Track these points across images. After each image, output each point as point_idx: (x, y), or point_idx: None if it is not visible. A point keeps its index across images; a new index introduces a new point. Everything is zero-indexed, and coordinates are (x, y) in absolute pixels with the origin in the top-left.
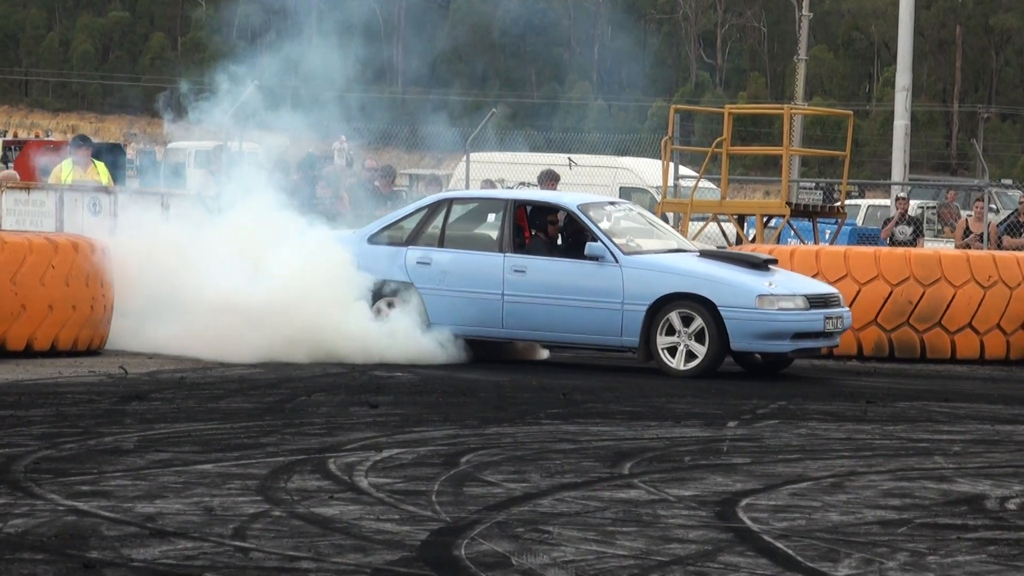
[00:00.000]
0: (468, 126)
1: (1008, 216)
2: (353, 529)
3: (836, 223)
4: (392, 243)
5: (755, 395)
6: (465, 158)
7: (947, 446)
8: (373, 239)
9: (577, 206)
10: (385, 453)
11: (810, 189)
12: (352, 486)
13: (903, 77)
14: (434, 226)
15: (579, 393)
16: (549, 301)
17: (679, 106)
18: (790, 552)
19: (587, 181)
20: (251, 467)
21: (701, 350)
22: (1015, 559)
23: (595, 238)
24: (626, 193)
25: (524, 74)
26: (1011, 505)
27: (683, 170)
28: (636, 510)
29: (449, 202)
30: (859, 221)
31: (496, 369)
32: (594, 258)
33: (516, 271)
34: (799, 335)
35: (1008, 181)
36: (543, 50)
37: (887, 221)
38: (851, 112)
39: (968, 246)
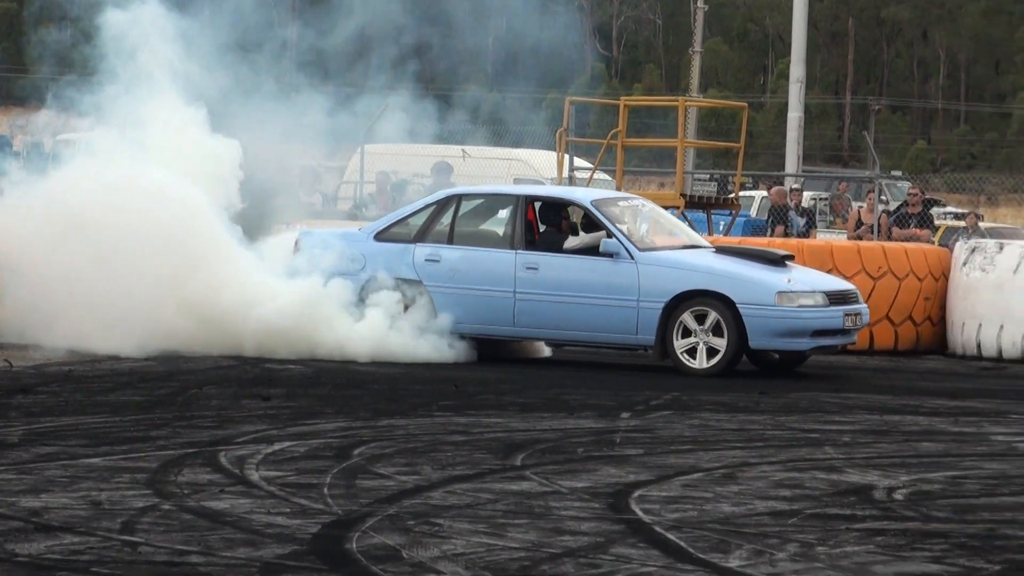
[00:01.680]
0: (363, 117)
1: (898, 208)
2: (243, 523)
3: (730, 214)
4: (400, 240)
5: (648, 386)
6: (360, 150)
7: (837, 437)
8: (380, 236)
9: (591, 201)
10: (277, 446)
11: (704, 181)
12: (243, 479)
13: (797, 69)
14: (443, 223)
15: (472, 385)
16: (562, 299)
17: (574, 98)
18: (681, 543)
19: (481, 172)
20: (140, 460)
21: (721, 343)
22: (901, 549)
23: (610, 234)
24: (520, 184)
25: (419, 65)
26: (898, 496)
27: (578, 162)
28: (528, 502)
29: (458, 198)
30: (753, 212)
31: (398, 365)
32: (609, 255)
33: (528, 268)
34: (819, 332)
35: (898, 173)
36: (439, 41)
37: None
38: (745, 104)
39: (860, 237)
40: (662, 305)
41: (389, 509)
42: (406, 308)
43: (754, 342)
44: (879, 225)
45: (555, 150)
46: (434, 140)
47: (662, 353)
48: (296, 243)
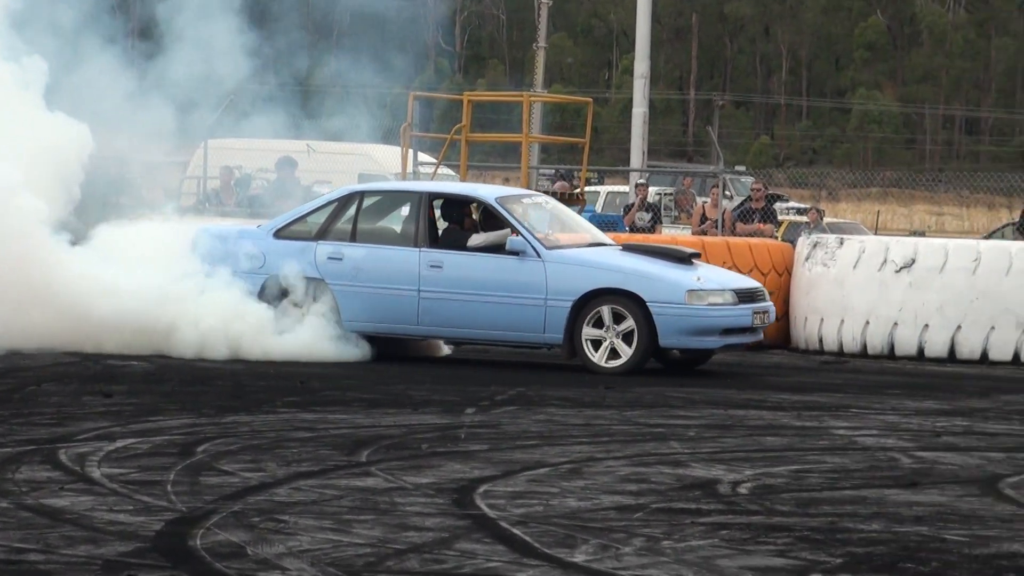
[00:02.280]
0: (205, 111)
1: (741, 203)
2: (84, 520)
3: (576, 210)
4: (300, 238)
5: (494, 381)
6: (203, 145)
7: (682, 431)
8: (280, 233)
9: (495, 199)
10: (119, 443)
11: (550, 176)
12: (84, 477)
13: (641, 65)
14: (345, 220)
15: (316, 381)
16: (467, 297)
17: (418, 93)
18: (527, 539)
19: (326, 167)
20: None
21: (627, 350)
22: (746, 543)
23: (515, 232)
24: (365, 180)
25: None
26: (743, 490)
27: (422, 157)
28: (373, 498)
29: (360, 195)
30: (598, 208)
31: (241, 361)
32: (515, 253)
33: (433, 266)
34: (728, 331)
35: (742, 168)
36: (283, 34)
37: (627, 208)
38: (590, 99)
39: (704, 232)
40: (570, 303)
41: (234, 506)
42: (307, 307)
43: (664, 340)
44: (723, 220)
45: (399, 145)
46: (278, 135)
47: (570, 352)
48: (193, 240)
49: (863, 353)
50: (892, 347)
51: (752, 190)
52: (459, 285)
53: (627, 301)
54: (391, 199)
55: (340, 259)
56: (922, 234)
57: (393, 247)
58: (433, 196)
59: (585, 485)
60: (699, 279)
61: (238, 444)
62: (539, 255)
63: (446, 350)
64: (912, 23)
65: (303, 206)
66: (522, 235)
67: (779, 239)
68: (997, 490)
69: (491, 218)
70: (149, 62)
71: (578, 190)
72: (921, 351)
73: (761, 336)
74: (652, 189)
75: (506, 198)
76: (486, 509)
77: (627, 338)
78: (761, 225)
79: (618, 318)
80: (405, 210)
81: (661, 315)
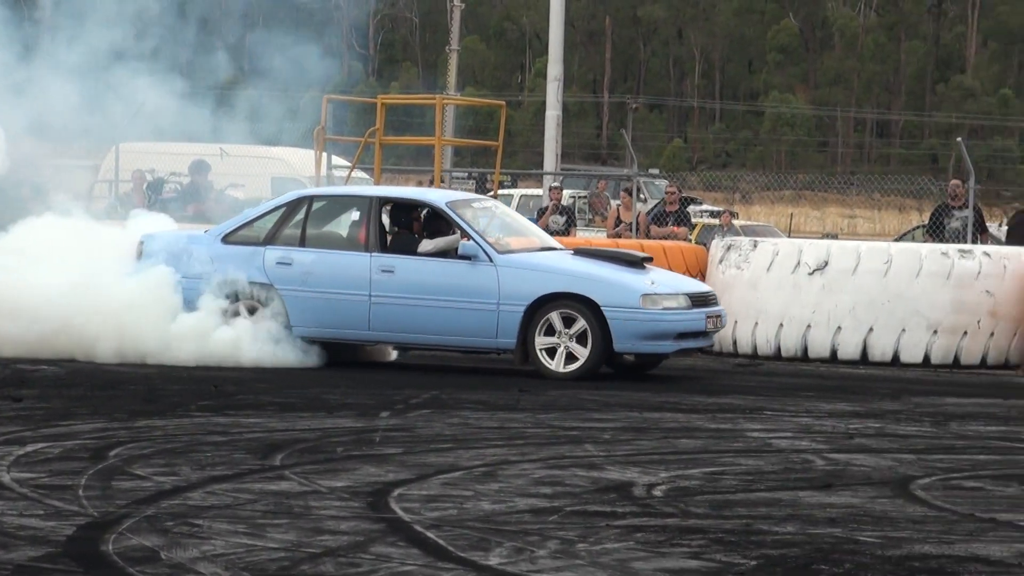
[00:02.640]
0: (117, 114)
1: (655, 205)
2: None
3: None
4: (248, 243)
5: (409, 385)
6: (115, 148)
7: (597, 434)
8: (228, 239)
9: (446, 203)
10: (29, 447)
11: (463, 179)
12: None
13: (554, 68)
14: (294, 225)
15: (230, 385)
16: (419, 302)
17: (331, 96)
18: (441, 542)
19: (239, 171)
20: None
21: (583, 352)
22: (661, 545)
23: (467, 236)
24: (279, 183)
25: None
26: (657, 492)
27: (336, 160)
28: (287, 502)
29: (309, 199)
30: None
31: (153, 366)
32: (467, 257)
33: (384, 271)
34: (682, 335)
35: (655, 171)
36: (195, 37)
37: (541, 211)
38: (503, 102)
39: (619, 235)
40: (523, 308)
41: (147, 510)
42: (255, 312)
43: (618, 344)
44: (637, 223)
45: (313, 148)
46: (191, 138)
47: (523, 357)
48: (139, 246)
49: (777, 355)
50: (805, 349)
51: (666, 193)
52: (411, 290)
53: (580, 306)
54: (340, 203)
55: (289, 264)
56: (835, 237)
57: (343, 252)
58: (383, 200)
59: (500, 488)
60: (653, 283)
61: (151, 448)
62: (491, 260)
63: (393, 355)
64: (824, 26)
65: (251, 211)
66: (474, 240)
67: (693, 242)
68: (909, 492)
69: (439, 222)
70: (58, 65)
71: (492, 193)
72: (834, 353)
73: (713, 341)
74: (566, 192)
75: (457, 202)
76: (400, 512)
77: (580, 341)
78: (675, 228)
79: (568, 321)
80: (354, 215)
81: (616, 319)
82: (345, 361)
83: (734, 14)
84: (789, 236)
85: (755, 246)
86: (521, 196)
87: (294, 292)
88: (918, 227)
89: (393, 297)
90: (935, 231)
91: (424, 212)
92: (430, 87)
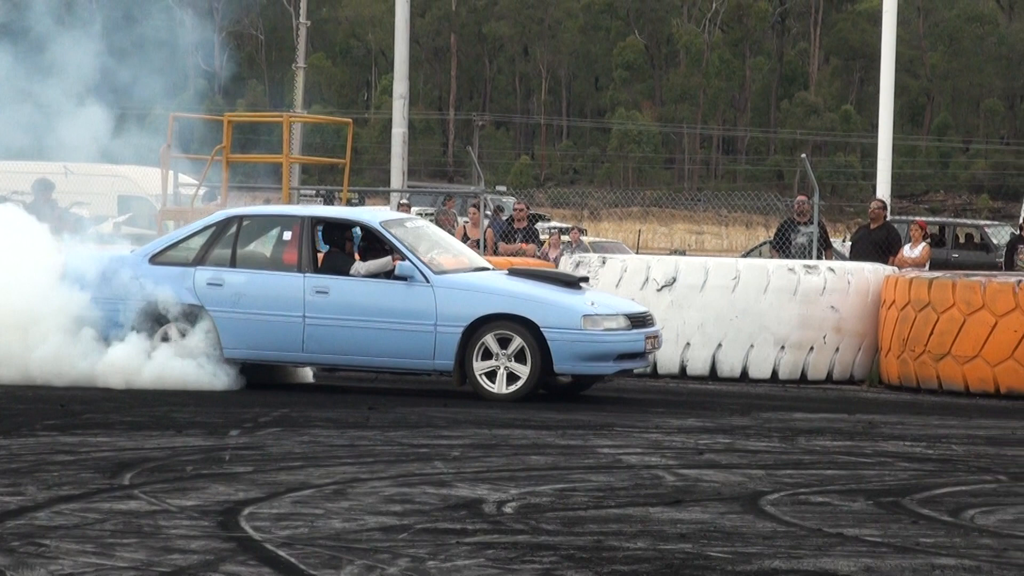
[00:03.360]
0: None
1: (504, 222)
2: None
3: None
4: (177, 263)
5: (258, 403)
6: None
7: (447, 451)
8: (156, 259)
9: (380, 223)
10: None
11: (311, 196)
12: None
13: (400, 85)
14: (224, 244)
15: (77, 404)
16: (354, 324)
17: (177, 113)
18: (293, 560)
19: (84, 189)
20: None
21: (524, 371)
22: (511, 562)
23: (402, 257)
24: (124, 202)
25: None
26: (508, 509)
27: (183, 178)
28: (136, 521)
29: (239, 219)
30: None
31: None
32: (403, 278)
33: (318, 292)
34: (622, 356)
35: (503, 188)
36: (38, 52)
37: None
38: (350, 120)
39: None
40: (461, 329)
41: None
42: (184, 334)
43: (558, 366)
44: (485, 240)
45: (159, 166)
46: (34, 156)
47: (461, 378)
48: (63, 265)
49: None
50: (655, 365)
51: (515, 210)
52: (346, 311)
53: (517, 326)
54: (270, 223)
55: (220, 285)
56: (683, 253)
57: (276, 272)
58: (316, 220)
59: (350, 506)
60: (593, 304)
61: None
62: (428, 280)
63: (310, 377)
64: (669, 43)
65: (179, 230)
66: (409, 260)
67: (540, 258)
68: (758, 507)
69: (373, 242)
70: None
71: None
72: (683, 369)
73: (650, 361)
74: (414, 209)
75: (390, 222)
76: (251, 531)
77: (518, 360)
78: (523, 244)
79: (503, 342)
80: (286, 235)
81: (556, 340)
82: (263, 383)
83: (580, 31)
84: (637, 252)
85: (604, 263)
86: None
87: (225, 313)
88: (765, 243)
89: (328, 318)
90: (781, 247)
91: (357, 232)
92: (277, 105)
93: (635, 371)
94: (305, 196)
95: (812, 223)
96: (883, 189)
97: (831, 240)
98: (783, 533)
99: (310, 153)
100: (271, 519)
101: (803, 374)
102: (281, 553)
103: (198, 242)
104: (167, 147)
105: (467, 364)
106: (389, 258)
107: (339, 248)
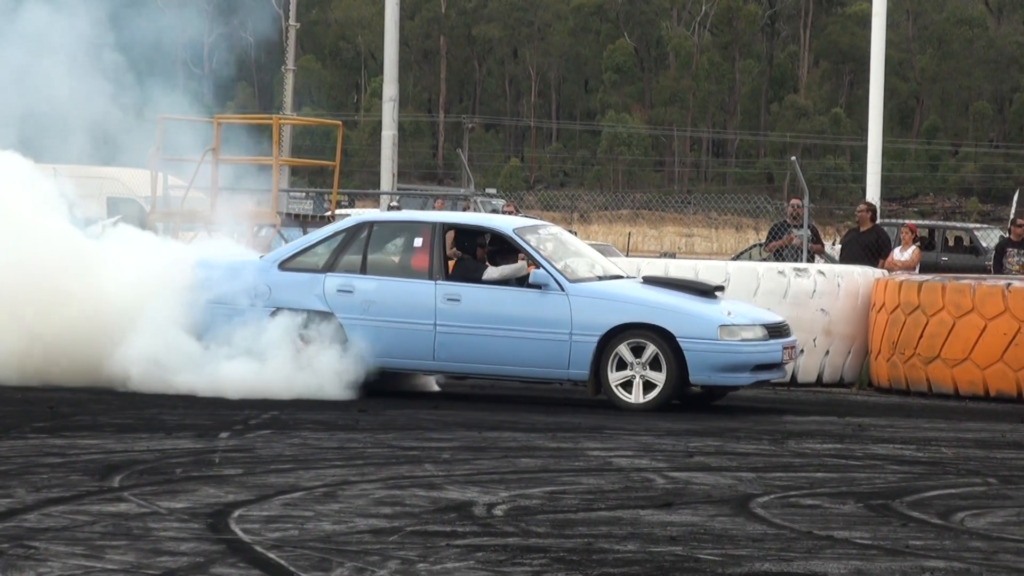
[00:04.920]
0: None
1: None
2: None
3: None
4: (307, 269)
5: (247, 405)
6: None
7: (436, 454)
8: (285, 265)
9: (513, 230)
10: None
11: (301, 199)
12: None
13: (390, 88)
14: (354, 251)
15: (67, 406)
16: (487, 332)
17: (166, 115)
18: (283, 562)
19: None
20: None
21: (659, 378)
22: (502, 564)
23: (536, 264)
24: (114, 204)
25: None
26: (498, 511)
27: (173, 180)
28: (126, 523)
29: (370, 225)
30: None
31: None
32: (537, 286)
33: (449, 299)
34: (759, 367)
35: (492, 190)
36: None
37: None
38: (340, 122)
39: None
40: (597, 338)
41: None
42: (316, 341)
43: (695, 377)
44: None
45: (148, 168)
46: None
47: (596, 388)
48: (192, 269)
49: None
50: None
51: (504, 211)
52: (478, 319)
53: (651, 334)
54: (402, 229)
55: (351, 292)
56: (673, 256)
57: (406, 279)
58: (447, 227)
59: (340, 508)
60: (730, 314)
61: None
62: (563, 288)
63: (434, 385)
64: (659, 46)
65: (308, 236)
66: (544, 268)
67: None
68: (748, 510)
69: (505, 249)
70: None
71: (329, 212)
72: None
73: (786, 372)
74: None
75: (523, 229)
76: (241, 534)
77: (653, 367)
78: None
79: (636, 351)
80: (416, 241)
81: (692, 351)
82: (382, 391)
83: (569, 33)
84: (627, 255)
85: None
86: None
87: (355, 321)
88: (755, 245)
89: (460, 326)
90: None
91: (490, 239)
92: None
93: (772, 381)
94: (295, 198)
95: (803, 226)
96: (873, 192)
97: (823, 240)
98: (773, 536)
99: (300, 155)
100: (261, 521)
101: (793, 377)
102: (271, 555)
103: (328, 248)
104: (156, 149)
105: (602, 374)
106: (523, 263)
107: (470, 255)
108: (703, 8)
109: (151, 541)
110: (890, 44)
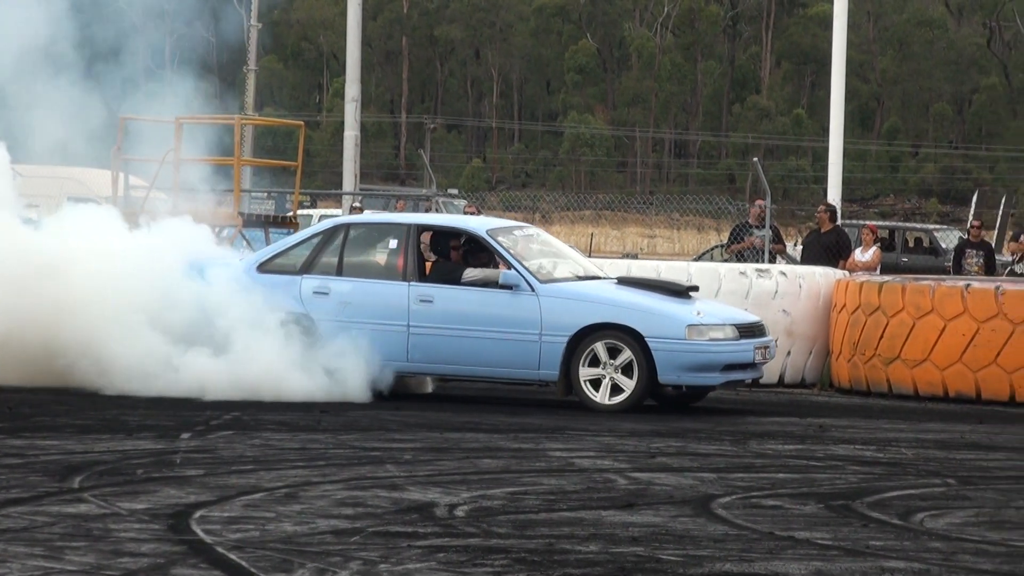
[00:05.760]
0: None
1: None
2: None
3: (288, 233)
4: (284, 271)
5: (208, 406)
6: None
7: (398, 454)
8: (263, 267)
9: (486, 231)
10: None
11: (262, 199)
12: None
13: (352, 88)
14: (330, 253)
15: (27, 407)
16: (458, 333)
17: (128, 116)
18: (244, 563)
19: (33, 191)
20: None
21: (628, 383)
22: (463, 565)
23: (508, 265)
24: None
25: None
26: (460, 512)
27: (134, 180)
28: (86, 524)
29: (346, 227)
30: None
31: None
32: (508, 287)
33: (422, 301)
34: (729, 366)
35: (454, 191)
36: None
37: None
38: (302, 123)
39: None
40: (566, 339)
41: None
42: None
43: (663, 376)
44: None
45: (109, 168)
46: None
47: (566, 388)
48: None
49: None
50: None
51: (465, 211)
52: (450, 320)
53: (626, 336)
54: (377, 231)
55: (326, 293)
56: (635, 256)
57: (381, 281)
58: (421, 228)
59: (301, 509)
60: (699, 313)
61: None
62: (533, 289)
63: (429, 387)
64: (621, 47)
65: (287, 239)
66: (515, 268)
67: None
68: (710, 510)
69: (480, 250)
70: None
71: (291, 213)
72: None
73: (762, 372)
74: (366, 212)
75: (497, 230)
76: (202, 534)
77: (625, 372)
78: None
79: (613, 352)
80: (391, 243)
81: (660, 350)
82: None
83: (531, 34)
84: (590, 256)
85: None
86: (321, 216)
87: (331, 322)
88: (716, 246)
89: (432, 327)
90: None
91: (466, 240)
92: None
93: (746, 381)
94: (257, 198)
95: (765, 227)
96: (834, 193)
97: (784, 240)
98: (734, 536)
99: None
100: (222, 522)
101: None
102: (232, 556)
103: (305, 250)
104: (117, 149)
105: (572, 373)
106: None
107: (445, 257)
108: (665, 9)
109: (111, 542)
110: (851, 45)
